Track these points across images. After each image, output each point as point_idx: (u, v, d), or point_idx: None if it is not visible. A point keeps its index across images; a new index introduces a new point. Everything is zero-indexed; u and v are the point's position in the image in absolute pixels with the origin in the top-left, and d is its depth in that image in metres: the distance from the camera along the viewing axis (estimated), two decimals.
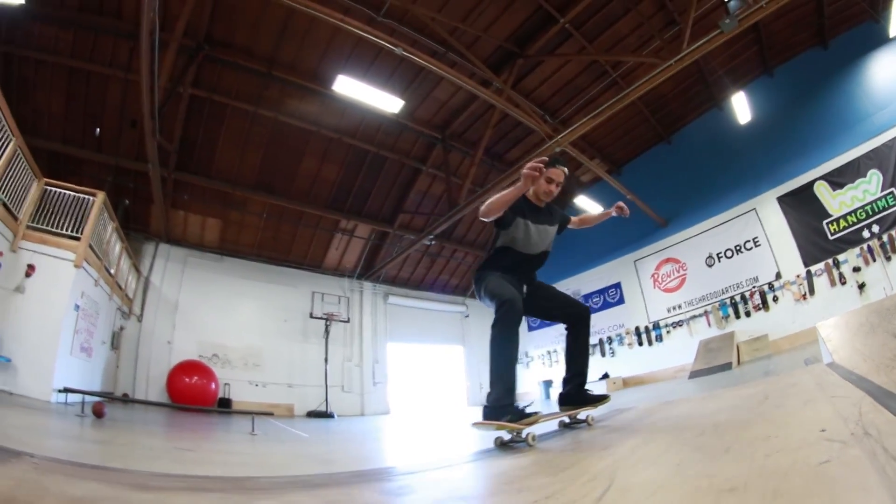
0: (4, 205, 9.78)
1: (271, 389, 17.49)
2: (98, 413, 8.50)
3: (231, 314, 17.67)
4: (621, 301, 20.33)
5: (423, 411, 19.52)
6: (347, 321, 19.75)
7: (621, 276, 20.41)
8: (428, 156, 18.57)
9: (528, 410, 3.77)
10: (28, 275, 10.31)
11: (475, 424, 3.81)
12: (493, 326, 4.03)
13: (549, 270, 18.64)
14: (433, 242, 19.36)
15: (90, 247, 11.40)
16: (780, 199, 15.67)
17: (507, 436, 3.78)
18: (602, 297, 21.12)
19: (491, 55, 15.16)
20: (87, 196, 11.49)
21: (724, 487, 1.47)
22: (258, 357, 17.64)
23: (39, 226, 10.79)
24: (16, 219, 10.26)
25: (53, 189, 11.26)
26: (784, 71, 16.88)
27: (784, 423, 2.52)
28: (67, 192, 11.38)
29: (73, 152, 14.85)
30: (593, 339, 20.50)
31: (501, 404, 3.78)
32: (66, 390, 10.01)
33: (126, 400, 14.04)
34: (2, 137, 9.39)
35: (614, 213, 5.30)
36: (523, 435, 3.64)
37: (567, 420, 4.61)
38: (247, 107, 15.23)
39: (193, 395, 15.18)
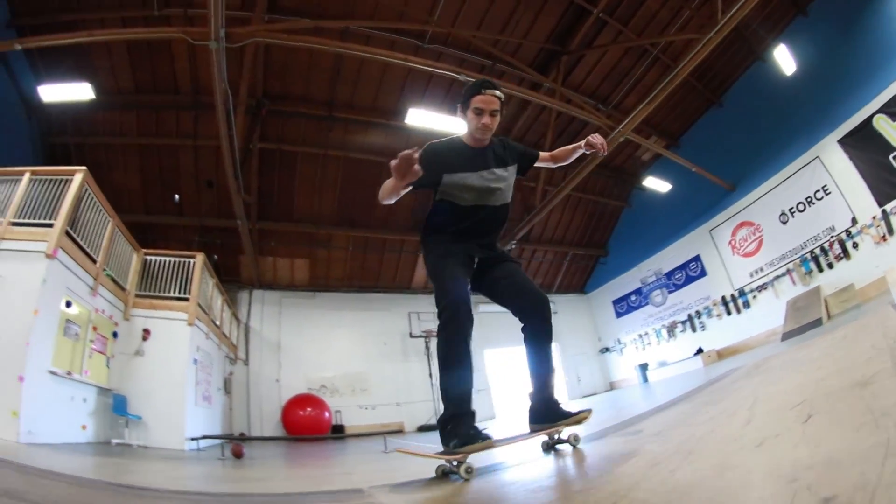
0: (113, 279, 10.58)
1: (380, 410, 17.97)
2: (237, 454, 9.02)
3: (332, 345, 18.24)
4: (703, 273, 19.76)
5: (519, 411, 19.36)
6: None
7: (699, 249, 19.79)
8: None
9: (483, 433, 3.05)
10: (144, 338, 11.10)
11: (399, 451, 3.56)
12: (438, 333, 3.39)
13: (626, 254, 17.92)
14: (514, 246, 19.37)
15: (198, 304, 12.15)
16: (842, 142, 14.70)
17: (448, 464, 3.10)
18: (684, 272, 20.59)
19: (535, 58, 15.28)
20: (186, 259, 12.26)
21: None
22: (364, 382, 18.20)
23: (146, 293, 11.66)
24: (123, 290, 11.08)
25: (152, 258, 12.12)
26: (817, 7, 15.95)
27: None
28: (167, 258, 12.17)
29: (157, 220, 15.95)
30: (681, 315, 20.35)
31: (448, 428, 3.20)
32: (194, 439, 10.74)
33: (244, 438, 14.81)
34: (102, 221, 10.23)
35: (585, 151, 3.87)
36: (456, 465, 2.96)
37: (548, 440, 3.55)
38: (315, 150, 15.86)
39: (309, 425, 15.92)
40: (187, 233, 16.59)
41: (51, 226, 8.90)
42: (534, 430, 3.46)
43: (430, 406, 18.13)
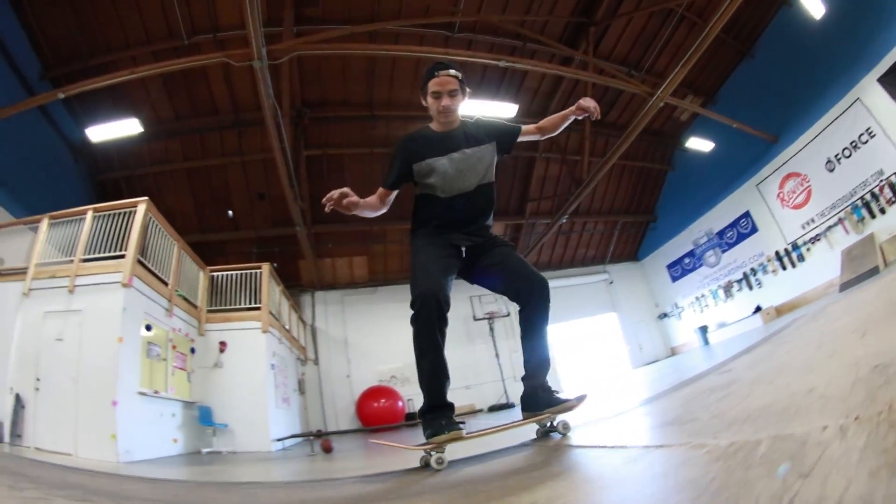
0: (185, 298, 11.06)
1: (450, 395, 17.77)
2: (327, 449, 9.32)
3: (397, 336, 17.21)
4: (754, 230, 19.17)
5: (590, 384, 19.29)
6: (508, 315, 19.69)
7: (748, 205, 19.16)
8: (536, 143, 18.19)
9: (453, 425, 3.10)
10: (222, 350, 11.58)
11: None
12: (412, 324, 3.36)
13: (676, 217, 17.58)
14: (566, 219, 19.20)
15: (270, 312, 12.59)
16: (881, 80, 13.86)
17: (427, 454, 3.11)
18: (734, 230, 20.04)
19: (563, 33, 15.17)
20: (252, 270, 12.71)
21: None
22: None
23: (217, 307, 12.17)
24: (195, 307, 11.57)
25: (218, 273, 12.62)
26: None
27: None
28: (233, 272, 12.65)
29: (214, 237, 16.50)
30: (736, 274, 19.87)
31: (426, 418, 3.25)
32: (280, 439, 11.22)
33: (320, 434, 15.33)
34: (167, 245, 10.71)
35: (577, 116, 3.60)
36: (429, 455, 3.01)
37: (539, 428, 3.46)
38: (360, 150, 16.08)
39: (384, 415, 16.38)
40: (244, 245, 17.11)
41: (122, 256, 9.37)
42: (526, 419, 3.37)
43: (499, 386, 18.18)
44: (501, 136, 3.56)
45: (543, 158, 19.07)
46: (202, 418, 10.94)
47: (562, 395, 3.29)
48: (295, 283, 18.19)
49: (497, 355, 18.72)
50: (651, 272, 25.12)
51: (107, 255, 9.58)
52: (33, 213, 11.23)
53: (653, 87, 13.67)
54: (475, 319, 19.47)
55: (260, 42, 9.59)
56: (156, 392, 9.74)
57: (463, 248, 3.47)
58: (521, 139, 3.63)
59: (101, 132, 13.23)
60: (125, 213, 9.83)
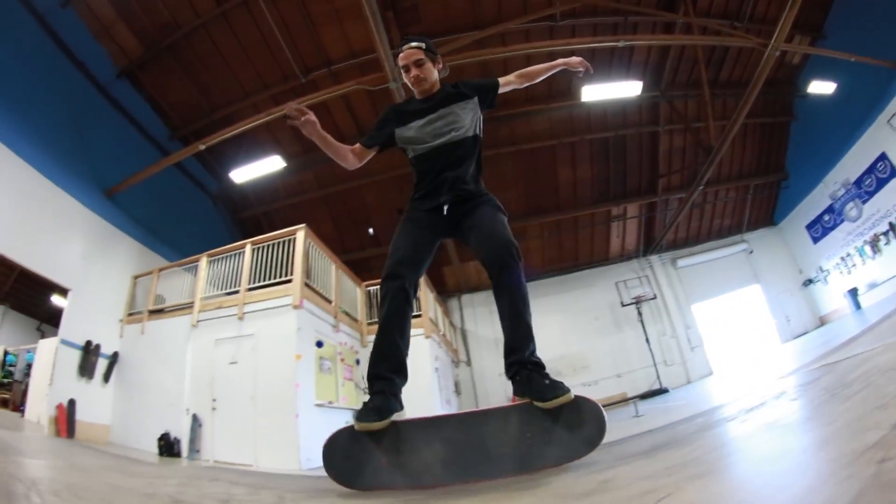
0: (347, 314, 11.59)
1: (603, 385, 17.83)
2: None
3: (546, 331, 17.65)
4: (893, 173, 16.73)
5: (740, 361, 18.48)
6: (654, 297, 19.28)
7: (882, 145, 16.75)
8: (657, 116, 17.91)
9: (366, 414, 2.70)
10: None
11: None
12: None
13: (808, 171, 17.32)
14: (702, 189, 17.81)
15: (430, 318, 12.96)
16: None
17: None
18: (872, 176, 17.63)
19: None
20: None
21: None
22: (583, 360, 18.21)
23: (376, 320, 12.65)
24: (356, 321, 12.09)
25: (372, 288, 13.06)
26: None
27: None
28: None
29: (358, 256, 17.02)
30: (881, 226, 17.57)
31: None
32: None
33: None
34: (325, 266, 11.29)
35: (570, 69, 3.58)
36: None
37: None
38: (489, 152, 15.73)
39: None
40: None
41: (290, 281, 9.97)
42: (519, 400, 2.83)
43: (650, 372, 17.46)
44: (480, 90, 3.50)
45: (667, 131, 18.24)
46: None
47: (557, 380, 2.72)
48: (441, 289, 18.42)
49: (647, 340, 17.86)
50: (790, 236, 22.91)
51: (274, 281, 10.22)
52: (185, 256, 12.58)
53: (760, 36, 12.87)
54: (622, 305, 18.93)
55: (392, 64, 9.83)
56: (329, 403, 10.27)
57: (444, 208, 3.24)
58: (502, 90, 3.55)
59: (244, 173, 14.05)
60: (285, 241, 10.51)
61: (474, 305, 18.84)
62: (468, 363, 17.66)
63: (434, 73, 3.42)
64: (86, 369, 12.25)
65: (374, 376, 2.92)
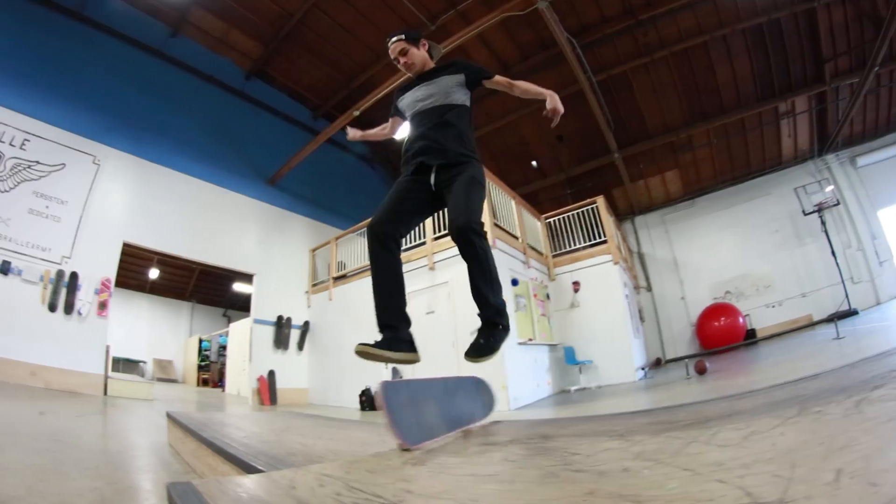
0: (533, 248, 11.25)
1: (787, 306, 15.95)
2: (701, 370, 8.92)
3: (724, 248, 16.86)
4: None
5: None
6: (837, 203, 16.36)
7: None
8: None
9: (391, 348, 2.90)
10: (576, 290, 11.58)
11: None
12: None
13: None
14: (878, 69, 15.71)
15: (616, 242, 12.36)
16: None
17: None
18: None
19: None
20: (585, 207, 12.45)
21: None
22: (765, 278, 16.28)
23: (561, 251, 12.35)
24: (542, 254, 11.68)
25: (552, 219, 12.77)
26: None
27: None
28: (566, 214, 12.65)
29: (525, 191, 16.09)
30: None
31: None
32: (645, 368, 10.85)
33: (660, 363, 14.89)
34: (505, 202, 10.90)
35: (548, 108, 3.31)
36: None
37: None
38: (639, 62, 14.87)
39: (725, 335, 15.03)
40: (555, 190, 17.01)
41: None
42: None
43: (837, 291, 15.17)
44: (469, 70, 3.64)
45: (823, 5, 15.25)
46: (568, 358, 11.19)
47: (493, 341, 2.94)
48: (612, 213, 16.96)
49: (833, 253, 15.32)
50: None
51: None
52: (354, 224, 13.12)
53: None
54: (804, 214, 16.27)
55: None
56: (529, 340, 10.05)
57: (432, 174, 3.25)
58: (488, 84, 3.65)
59: (402, 129, 13.72)
60: None
61: (648, 227, 17.74)
62: (648, 288, 16.69)
63: (420, 55, 3.68)
64: (280, 341, 13.33)
65: (383, 325, 3.02)
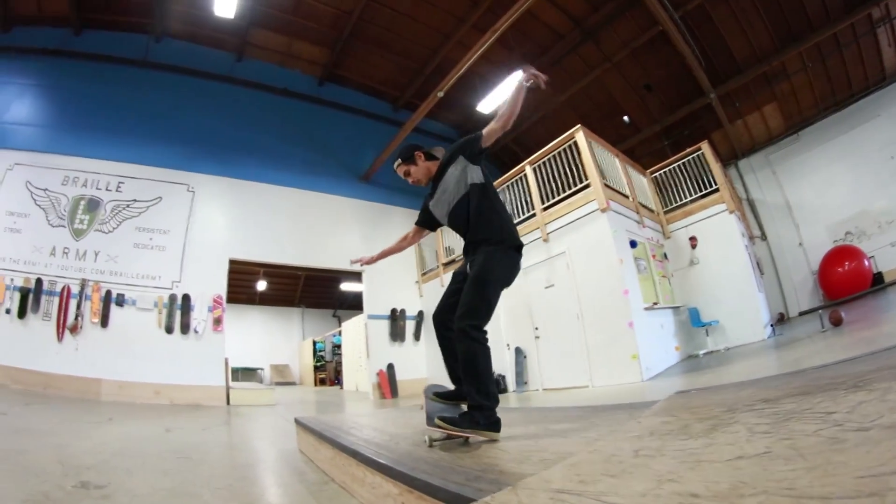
0: (644, 206, 10.74)
1: None
2: (837, 321, 8.29)
3: (837, 183, 14.89)
4: None
5: None
6: None
7: None
8: None
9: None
10: (693, 246, 10.97)
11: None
12: None
13: None
14: None
15: (728, 189, 11.64)
16: None
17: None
18: None
19: None
20: (689, 156, 11.73)
21: None
22: (888, 213, 13.98)
23: (672, 206, 11.76)
24: (653, 211, 11.17)
25: (657, 174, 12.19)
26: None
27: None
28: (670, 166, 12.04)
29: (622, 148, 14.65)
30: None
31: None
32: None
33: (783, 318, 13.85)
34: (610, 161, 10.40)
35: (526, 83, 3.34)
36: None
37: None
38: None
39: (851, 282, 13.33)
40: (651, 144, 16.25)
41: (587, 186, 9.31)
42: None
43: None
44: (463, 149, 3.64)
45: None
46: (693, 320, 10.54)
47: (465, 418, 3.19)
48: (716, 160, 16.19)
49: None
50: None
51: (569, 193, 9.66)
52: None
53: None
54: None
55: None
56: (654, 304, 9.57)
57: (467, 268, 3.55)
58: (486, 143, 3.56)
59: (490, 103, 13.74)
60: (563, 149, 9.93)
61: (754, 170, 16.28)
62: (763, 237, 15.38)
63: (421, 167, 3.80)
64: (396, 334, 13.57)
65: (453, 378, 3.61)
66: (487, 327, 3.24)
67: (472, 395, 3.20)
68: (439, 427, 3.12)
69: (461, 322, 3.20)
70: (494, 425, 3.18)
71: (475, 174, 3.57)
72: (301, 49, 14.36)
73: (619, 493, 1.22)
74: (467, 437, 3.23)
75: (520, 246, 3.48)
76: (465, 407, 3.34)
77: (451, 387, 3.61)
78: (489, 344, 3.23)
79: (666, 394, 3.57)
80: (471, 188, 3.53)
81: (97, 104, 12.03)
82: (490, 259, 3.34)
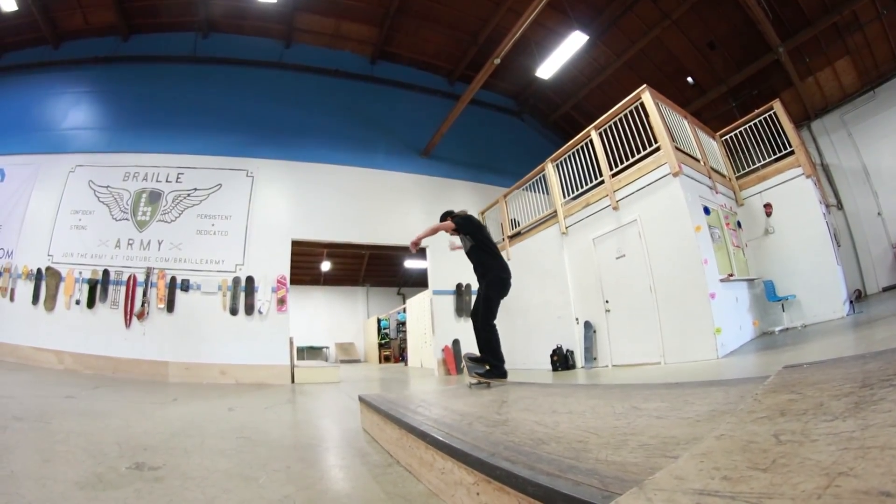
0: (716, 171, 10.12)
1: None
2: None
3: None
4: None
5: None
6: None
7: None
8: None
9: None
10: (768, 214, 10.27)
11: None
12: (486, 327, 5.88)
13: None
14: None
15: (804, 153, 10.77)
16: None
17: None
18: None
19: None
20: (761, 115, 10.88)
21: None
22: None
23: (744, 170, 11.09)
24: (724, 176, 10.56)
25: (727, 136, 11.43)
26: None
27: None
28: (741, 127, 11.19)
29: (688, 110, 13.83)
30: None
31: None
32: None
33: (861, 295, 12.94)
34: (678, 122, 9.83)
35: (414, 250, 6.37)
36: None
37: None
38: None
39: None
40: (718, 105, 15.43)
41: (658, 149, 8.84)
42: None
43: None
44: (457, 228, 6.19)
45: None
46: (769, 294, 9.83)
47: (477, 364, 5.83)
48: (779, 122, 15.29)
49: None
50: None
51: (638, 157, 9.25)
52: (517, 179, 12.98)
53: None
54: None
55: None
56: (729, 276, 8.96)
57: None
58: (448, 230, 6.32)
59: (550, 67, 13.10)
60: (629, 111, 9.49)
61: (828, 132, 14.79)
62: (839, 206, 14.27)
63: (455, 238, 6.46)
64: (462, 309, 13.45)
65: (500, 360, 5.79)
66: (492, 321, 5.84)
67: (489, 360, 5.69)
68: (474, 376, 5.65)
69: (478, 323, 5.75)
70: (503, 375, 5.66)
71: (467, 241, 6.08)
72: (349, 29, 14.50)
73: (785, 495, 0.96)
74: (489, 383, 5.54)
75: (505, 277, 5.93)
76: (487, 367, 5.68)
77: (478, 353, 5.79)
78: (496, 324, 5.82)
79: (748, 372, 3.34)
80: (470, 248, 6.04)
81: (151, 102, 12.70)
82: (488, 286, 5.85)
